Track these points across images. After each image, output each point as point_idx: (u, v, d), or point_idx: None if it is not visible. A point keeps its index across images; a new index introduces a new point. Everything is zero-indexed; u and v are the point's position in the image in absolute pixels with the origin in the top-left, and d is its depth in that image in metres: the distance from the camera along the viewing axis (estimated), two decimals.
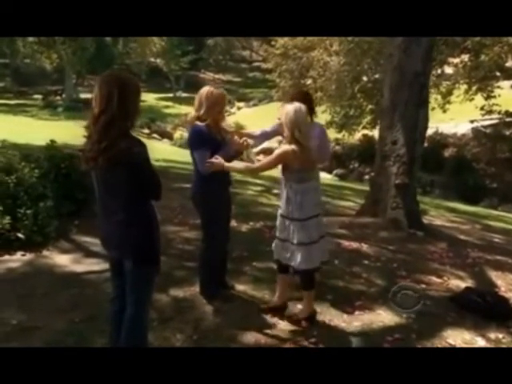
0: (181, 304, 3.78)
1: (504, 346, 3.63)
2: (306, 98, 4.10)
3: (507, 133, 16.38)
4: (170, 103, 31.34)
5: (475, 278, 5.04)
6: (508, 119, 16.15)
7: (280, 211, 3.54)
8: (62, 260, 4.51)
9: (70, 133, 20.24)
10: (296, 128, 3.31)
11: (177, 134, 22.38)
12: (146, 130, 23.41)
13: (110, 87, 2.42)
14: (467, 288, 4.47)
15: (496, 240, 7.60)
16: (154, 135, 23.20)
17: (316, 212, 3.46)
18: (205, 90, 3.61)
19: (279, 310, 3.76)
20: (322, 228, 3.56)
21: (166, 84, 36.35)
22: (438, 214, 10.25)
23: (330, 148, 4.28)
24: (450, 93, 16.35)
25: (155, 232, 2.59)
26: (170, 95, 33.21)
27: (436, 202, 12.17)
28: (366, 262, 5.13)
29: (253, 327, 3.52)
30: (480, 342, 3.64)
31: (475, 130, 17.25)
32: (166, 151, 16.66)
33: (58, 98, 30.18)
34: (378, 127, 18.52)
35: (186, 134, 22.63)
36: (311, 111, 4.09)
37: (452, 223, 9.04)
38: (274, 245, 3.64)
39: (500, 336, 3.76)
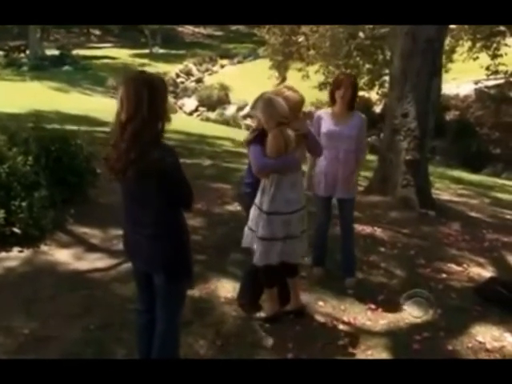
0: (198, 305, 3.83)
1: None
2: (354, 83, 4.20)
3: None
4: (146, 60, 30.61)
5: (495, 264, 5.19)
6: None
7: (255, 199, 3.53)
8: (63, 256, 4.50)
9: (40, 97, 19.82)
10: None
11: None
12: None
13: (138, 91, 2.35)
14: (491, 278, 4.61)
15: (508, 217, 7.78)
16: None
17: (286, 209, 3.42)
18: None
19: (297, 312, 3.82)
20: (291, 227, 3.48)
21: (142, 39, 35.46)
22: (444, 186, 10.41)
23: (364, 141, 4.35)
24: (452, 50, 16.32)
25: (187, 244, 2.61)
26: (146, 51, 32.41)
27: (439, 171, 12.30)
28: (383, 249, 5.24)
29: (275, 329, 3.61)
30: (509, 339, 3.79)
31: (478, 91, 17.35)
32: None
33: (22, 55, 29.25)
34: (375, 89, 18.54)
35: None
36: (355, 98, 4.16)
37: (460, 197, 9.20)
38: (245, 232, 3.61)
39: None
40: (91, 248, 4.74)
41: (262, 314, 3.75)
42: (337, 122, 4.15)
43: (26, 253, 4.49)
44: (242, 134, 17.00)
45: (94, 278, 4.18)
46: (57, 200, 5.13)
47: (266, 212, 3.40)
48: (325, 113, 4.26)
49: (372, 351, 3.48)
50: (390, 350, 3.51)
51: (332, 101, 4.19)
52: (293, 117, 3.51)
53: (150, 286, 2.66)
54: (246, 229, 3.58)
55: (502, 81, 16.78)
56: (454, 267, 4.99)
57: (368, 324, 3.83)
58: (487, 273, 4.93)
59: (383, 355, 3.44)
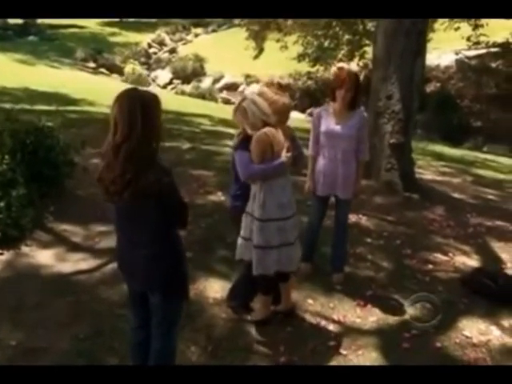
0: (188, 308, 3.88)
1: None
2: (357, 83, 4.09)
3: (493, 65, 16.64)
4: (116, 29, 29.95)
5: (480, 252, 5.36)
6: (494, 49, 16.36)
7: (246, 207, 3.54)
8: (45, 257, 4.50)
9: (4, 71, 19.18)
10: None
11: (127, 68, 21.61)
12: (92, 64, 22.54)
13: (132, 110, 2.33)
14: (477, 269, 4.77)
15: (491, 197, 7.99)
16: (102, 70, 22.36)
17: (279, 215, 3.42)
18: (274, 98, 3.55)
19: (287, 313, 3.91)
20: (287, 234, 3.50)
21: None
22: (426, 163, 10.58)
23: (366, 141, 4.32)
24: (433, 20, 16.30)
25: (184, 262, 2.65)
26: (116, 20, 31.66)
27: (421, 147, 12.46)
28: (369, 239, 5.35)
29: (266, 332, 3.70)
30: (495, 332, 3.96)
31: (460, 62, 17.45)
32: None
33: None
34: (355, 60, 18.47)
35: (138, 69, 21.96)
36: (357, 97, 4.06)
37: (442, 176, 9.38)
38: (238, 243, 3.62)
39: None
40: (73, 247, 4.74)
41: (253, 316, 3.83)
42: (337, 121, 4.13)
43: (7, 255, 4.47)
44: (219, 109, 16.91)
45: (78, 281, 4.19)
46: (35, 197, 5.09)
47: (259, 219, 3.42)
48: (325, 111, 4.22)
49: (363, 351, 3.60)
50: (381, 349, 3.63)
51: (332, 98, 4.13)
52: (279, 122, 3.51)
53: (145, 303, 2.70)
54: (239, 239, 3.59)
55: (483, 51, 16.89)
56: (439, 257, 5.14)
57: (357, 322, 3.95)
58: (472, 262, 5.10)
59: (373, 355, 3.57)
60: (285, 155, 3.45)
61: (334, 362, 3.45)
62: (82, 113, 11.26)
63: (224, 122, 12.83)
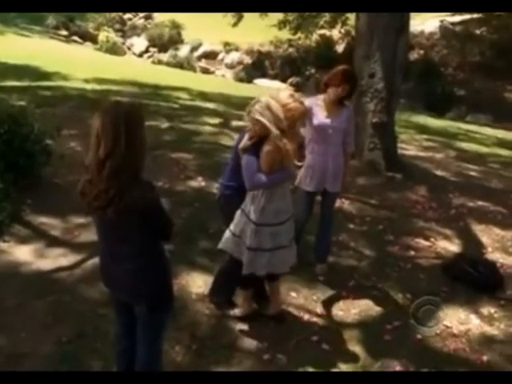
0: None
1: (497, 322, 4.13)
2: (354, 84, 4.27)
3: (478, 32, 16.68)
4: None
5: (461, 236, 5.52)
6: (478, 15, 16.36)
7: (243, 205, 3.59)
8: (24, 254, 4.50)
9: None
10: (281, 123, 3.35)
11: (101, 36, 21.14)
12: (64, 32, 21.98)
13: (115, 125, 2.31)
14: (458, 255, 4.91)
15: (473, 174, 8.15)
16: (74, 38, 21.84)
17: (276, 220, 3.51)
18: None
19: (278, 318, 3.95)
20: (280, 238, 3.57)
21: None
22: (410, 137, 10.71)
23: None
24: None
25: (169, 274, 2.70)
26: None
27: (404, 118, 12.55)
28: (352, 225, 5.46)
29: (250, 328, 3.79)
30: (474, 321, 4.12)
31: (443, 29, 17.44)
32: (95, 63, 15.83)
33: None
34: (337, 27, 18.31)
35: (113, 36, 21.48)
36: (351, 95, 4.29)
37: (426, 151, 9.52)
38: (225, 235, 3.68)
39: (492, 311, 4.26)
40: (52, 242, 4.74)
41: (236, 312, 3.92)
42: (327, 115, 4.19)
43: None
44: (197, 80, 16.73)
45: (59, 279, 4.21)
46: (11, 190, 5.06)
47: (255, 223, 3.48)
48: (315, 104, 4.21)
49: (346, 345, 3.73)
50: (363, 342, 3.76)
51: (324, 90, 4.18)
52: (290, 128, 3.46)
53: (130, 311, 2.75)
54: (228, 233, 3.65)
55: (467, 16, 16.89)
56: (421, 242, 5.28)
57: (340, 315, 4.07)
58: (454, 247, 5.25)
59: (356, 349, 3.69)
60: (294, 166, 3.57)
61: (316, 359, 3.56)
62: (56, 89, 11.06)
63: (203, 96, 12.74)
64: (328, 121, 4.18)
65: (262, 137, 3.37)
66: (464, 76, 16.02)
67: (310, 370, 3.45)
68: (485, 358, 3.70)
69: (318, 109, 4.20)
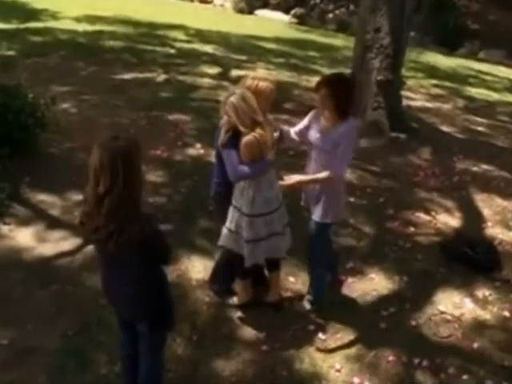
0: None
1: (490, 305, 4.39)
2: (351, 84, 4.15)
3: None
4: None
5: (462, 208, 5.69)
6: None
7: (233, 201, 3.77)
8: (25, 238, 4.72)
9: None
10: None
11: None
12: None
13: (113, 163, 2.43)
14: (457, 235, 5.11)
15: (480, 129, 8.22)
16: None
17: (267, 209, 3.70)
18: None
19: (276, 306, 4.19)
20: (274, 225, 3.77)
21: None
22: (417, 83, 10.67)
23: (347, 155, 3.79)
24: None
25: (169, 295, 2.92)
26: None
27: (412, 58, 12.41)
28: (352, 199, 5.61)
29: (249, 317, 4.06)
30: (468, 305, 4.38)
31: None
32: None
33: None
34: None
35: None
36: (342, 106, 3.64)
37: (433, 101, 9.54)
38: (223, 233, 3.87)
39: (487, 293, 4.50)
40: (53, 224, 4.95)
41: (235, 300, 4.18)
42: (320, 129, 3.78)
43: None
44: (194, 14, 16.31)
45: (60, 265, 4.44)
46: (8, 165, 5.22)
47: (248, 215, 3.69)
48: (316, 115, 3.86)
49: (341, 334, 4.00)
50: (359, 330, 4.02)
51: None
52: (266, 107, 3.69)
53: (133, 326, 2.99)
54: (225, 230, 3.86)
55: None
56: (422, 216, 5.47)
57: (337, 301, 4.32)
58: (454, 221, 5.44)
59: (351, 338, 3.97)
60: (272, 154, 3.70)
61: (312, 348, 3.85)
62: (46, 33, 10.93)
63: (200, 36, 12.56)
64: (314, 137, 3.79)
65: (237, 129, 3.53)
66: (478, 7, 15.60)
67: (307, 360, 3.75)
68: (475, 345, 3.97)
69: (316, 122, 3.83)
